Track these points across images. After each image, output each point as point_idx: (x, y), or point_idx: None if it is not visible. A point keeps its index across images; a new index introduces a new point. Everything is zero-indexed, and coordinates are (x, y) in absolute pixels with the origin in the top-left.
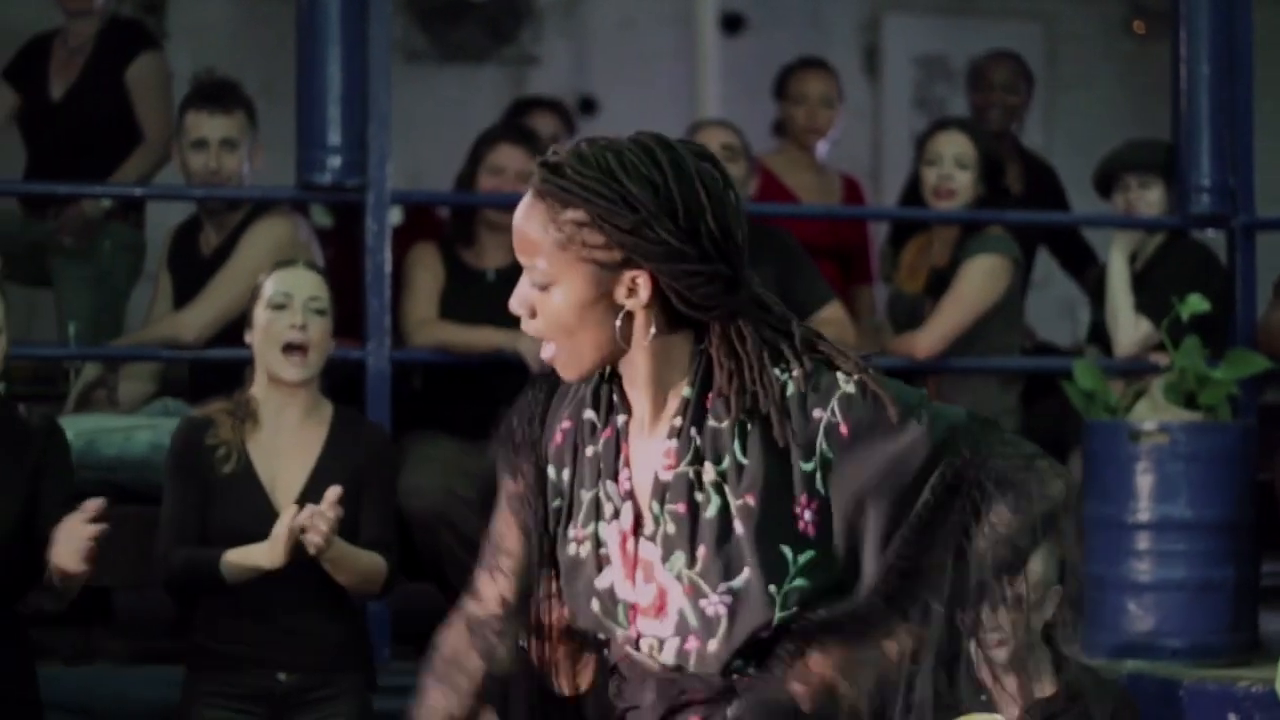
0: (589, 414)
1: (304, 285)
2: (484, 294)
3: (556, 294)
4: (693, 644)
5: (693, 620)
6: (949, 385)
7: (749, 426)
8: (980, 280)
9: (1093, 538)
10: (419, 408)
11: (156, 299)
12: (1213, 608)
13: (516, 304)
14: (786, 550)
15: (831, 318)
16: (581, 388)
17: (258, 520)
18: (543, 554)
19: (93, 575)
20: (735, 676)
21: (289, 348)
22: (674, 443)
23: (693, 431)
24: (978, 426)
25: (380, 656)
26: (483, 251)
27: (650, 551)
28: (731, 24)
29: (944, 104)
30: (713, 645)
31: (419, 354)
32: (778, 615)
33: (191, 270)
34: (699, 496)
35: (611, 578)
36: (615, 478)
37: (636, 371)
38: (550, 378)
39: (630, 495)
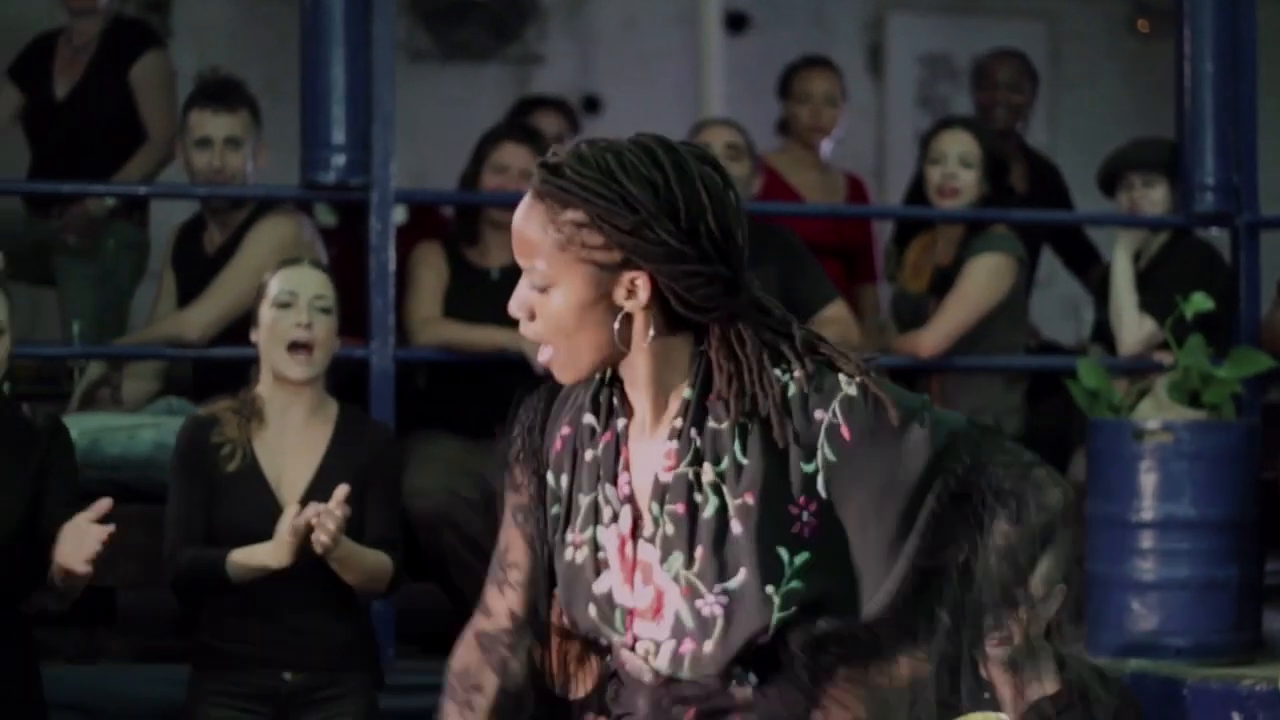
0: (588, 418)
1: (309, 284)
2: (488, 293)
3: (556, 296)
4: (688, 646)
5: (689, 622)
6: (953, 384)
7: (749, 427)
8: (984, 279)
9: (1096, 536)
10: (423, 407)
11: (160, 298)
12: (1216, 607)
13: (515, 307)
14: (783, 552)
15: (835, 317)
16: (580, 393)
17: (263, 519)
18: (547, 562)
19: (95, 576)
20: (735, 684)
21: (294, 346)
22: (674, 444)
23: (693, 432)
24: (978, 433)
25: (384, 656)
26: (487, 250)
27: (649, 553)
28: (736, 23)
29: (948, 103)
30: (709, 647)
31: (423, 353)
32: (775, 618)
33: (195, 269)
34: (698, 497)
35: (609, 582)
36: (614, 481)
37: (636, 373)
38: (549, 383)
39: (629, 499)
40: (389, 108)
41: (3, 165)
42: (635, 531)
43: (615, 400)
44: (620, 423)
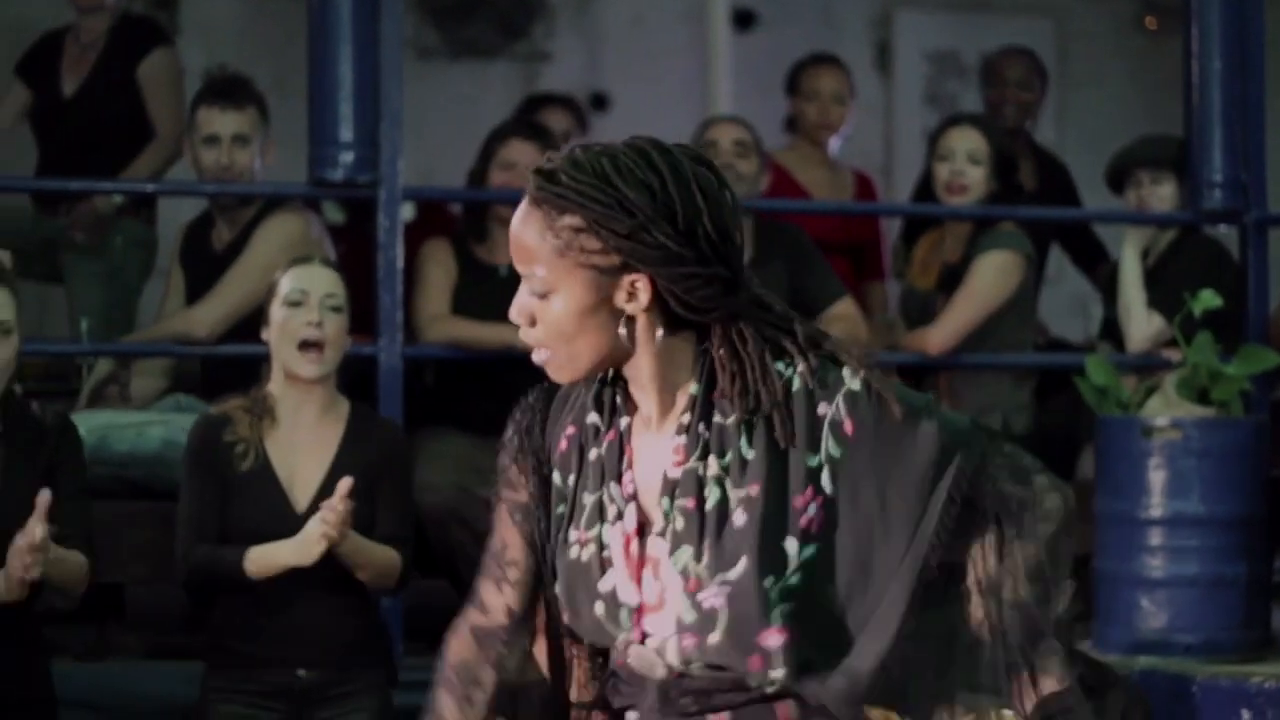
0: (592, 417)
1: (320, 282)
2: (496, 289)
3: (556, 301)
4: (691, 639)
5: (689, 616)
6: (961, 381)
7: (754, 422)
8: (992, 276)
9: (1105, 534)
10: (431, 404)
11: (168, 295)
12: (1225, 604)
13: (515, 313)
14: (788, 545)
15: (843, 314)
16: (581, 392)
17: (275, 518)
18: (549, 562)
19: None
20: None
21: (305, 345)
22: (683, 439)
23: (700, 427)
24: (981, 435)
25: (394, 652)
26: (495, 247)
27: (659, 548)
28: (743, 20)
29: (955, 100)
30: (714, 638)
31: (431, 350)
32: (774, 610)
33: (203, 266)
34: (705, 491)
35: (614, 580)
36: (619, 479)
37: (641, 373)
38: (547, 383)
39: (634, 497)
40: (397, 105)
41: (11, 163)
42: (641, 528)
43: (618, 398)
44: (623, 421)
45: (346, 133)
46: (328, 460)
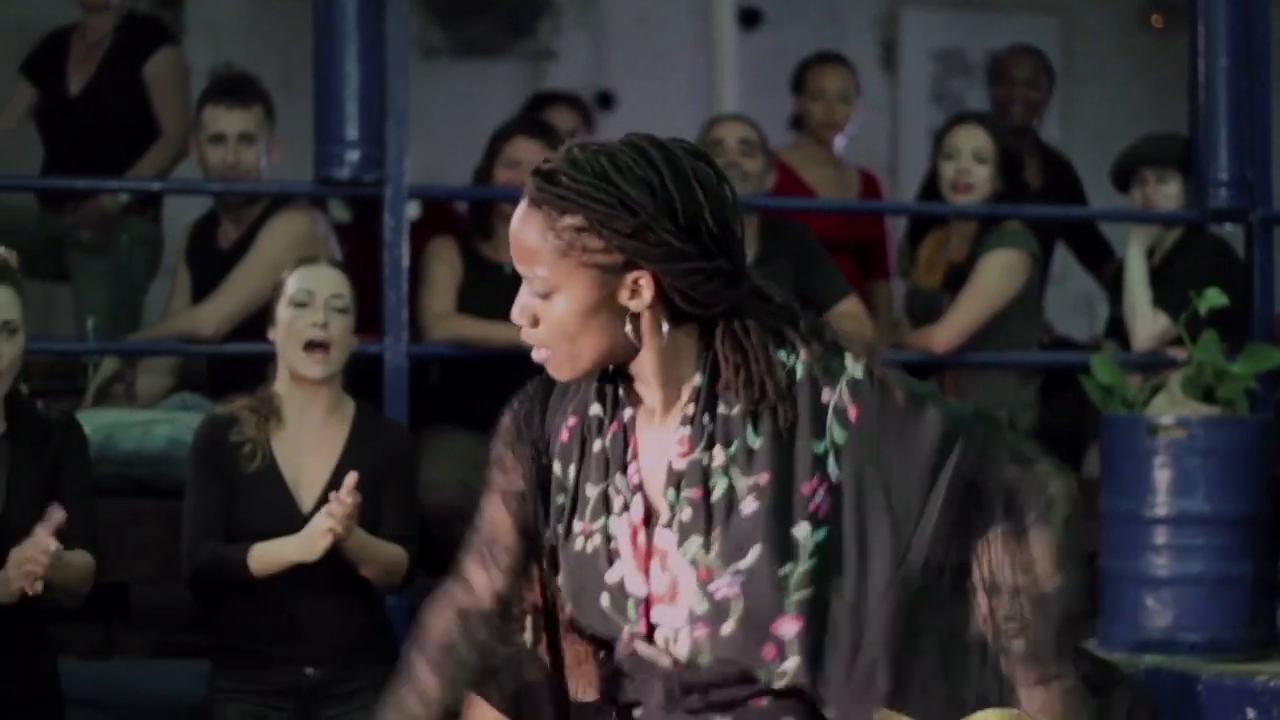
0: (595, 409)
1: (326, 283)
2: (501, 288)
3: (559, 301)
4: (703, 630)
5: (702, 606)
6: (966, 380)
7: (760, 411)
8: (998, 275)
9: (1110, 532)
10: (437, 402)
11: (174, 293)
12: (1230, 603)
13: (518, 314)
14: (798, 531)
15: (849, 312)
16: (582, 384)
17: (281, 518)
18: (549, 553)
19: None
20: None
21: (310, 345)
22: (688, 430)
23: (705, 418)
24: (984, 423)
25: (399, 650)
26: (500, 245)
27: (666, 539)
28: (749, 19)
29: (961, 98)
30: (727, 629)
31: (436, 348)
32: (790, 598)
33: (209, 265)
34: (711, 482)
35: (621, 571)
36: (624, 471)
37: (645, 369)
38: (545, 375)
39: (639, 488)
40: (402, 104)
41: (17, 162)
42: (648, 520)
43: (621, 391)
44: (627, 413)
45: (352, 131)
46: (333, 460)
